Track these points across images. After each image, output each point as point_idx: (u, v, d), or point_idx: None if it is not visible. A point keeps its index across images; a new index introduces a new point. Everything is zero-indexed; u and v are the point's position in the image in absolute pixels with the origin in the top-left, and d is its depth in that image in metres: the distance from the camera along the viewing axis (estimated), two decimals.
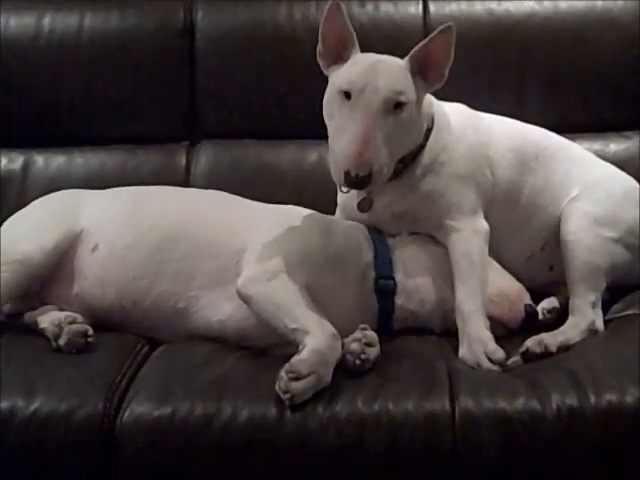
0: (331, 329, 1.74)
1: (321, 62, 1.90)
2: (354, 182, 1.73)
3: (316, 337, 1.70)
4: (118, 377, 1.76)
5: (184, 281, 1.94)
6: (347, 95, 1.79)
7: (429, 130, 1.95)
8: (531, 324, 1.92)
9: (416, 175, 1.94)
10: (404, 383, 1.71)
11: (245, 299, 1.84)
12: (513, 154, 2.05)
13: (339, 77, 1.84)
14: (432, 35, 1.82)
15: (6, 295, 1.92)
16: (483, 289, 1.88)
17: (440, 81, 1.87)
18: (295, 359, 1.65)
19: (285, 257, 1.86)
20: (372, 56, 1.87)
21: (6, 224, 2.05)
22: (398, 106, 1.79)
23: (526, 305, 1.93)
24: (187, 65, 2.53)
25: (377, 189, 1.85)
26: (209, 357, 1.83)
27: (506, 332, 1.92)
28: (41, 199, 2.14)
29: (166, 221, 1.99)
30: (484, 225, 1.95)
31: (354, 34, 1.87)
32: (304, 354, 1.66)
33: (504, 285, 1.96)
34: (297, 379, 1.63)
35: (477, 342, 1.81)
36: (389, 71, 1.81)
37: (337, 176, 1.76)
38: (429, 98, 1.97)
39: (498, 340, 1.84)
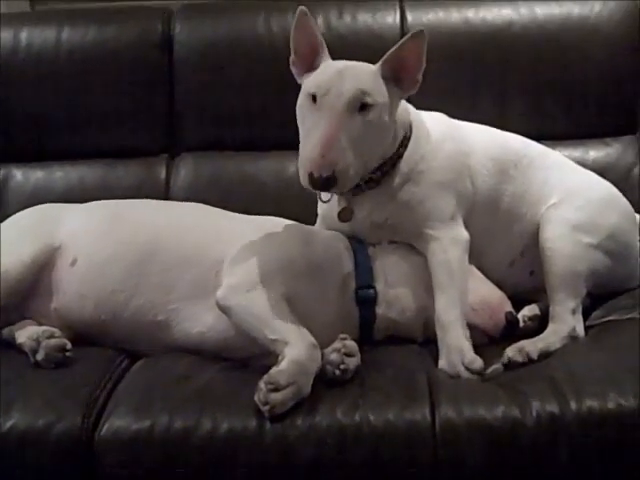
0: (310, 339, 1.73)
1: (294, 70, 1.91)
2: (318, 183, 1.73)
3: (295, 348, 1.69)
4: (96, 391, 1.75)
5: (164, 294, 1.93)
6: (314, 98, 1.79)
7: (407, 139, 1.95)
8: (512, 332, 1.91)
9: (395, 184, 1.94)
10: (385, 393, 1.70)
11: (224, 310, 1.83)
12: (493, 163, 2.05)
13: (308, 82, 1.85)
14: (403, 40, 1.82)
15: None
16: (463, 298, 1.88)
17: (414, 87, 1.87)
18: (274, 370, 1.64)
19: (264, 268, 1.86)
20: (342, 62, 1.88)
21: None
22: (364, 107, 1.79)
23: (507, 313, 1.93)
24: (166, 78, 2.53)
25: (343, 190, 1.82)
26: (188, 370, 1.82)
27: (487, 340, 1.92)
28: (19, 214, 2.12)
29: (145, 234, 1.99)
30: (464, 234, 1.95)
31: (323, 41, 1.88)
32: (283, 365, 1.65)
33: (485, 293, 1.96)
34: (276, 390, 1.62)
35: (455, 352, 1.81)
36: (356, 74, 1.82)
37: (302, 178, 1.76)
38: (406, 107, 1.97)
39: (479, 347, 1.84)
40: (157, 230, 1.99)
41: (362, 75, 1.82)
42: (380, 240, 2.00)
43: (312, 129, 1.77)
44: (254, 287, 1.82)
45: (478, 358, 1.80)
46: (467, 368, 1.79)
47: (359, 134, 1.77)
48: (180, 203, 2.19)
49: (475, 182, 2.02)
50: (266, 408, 1.61)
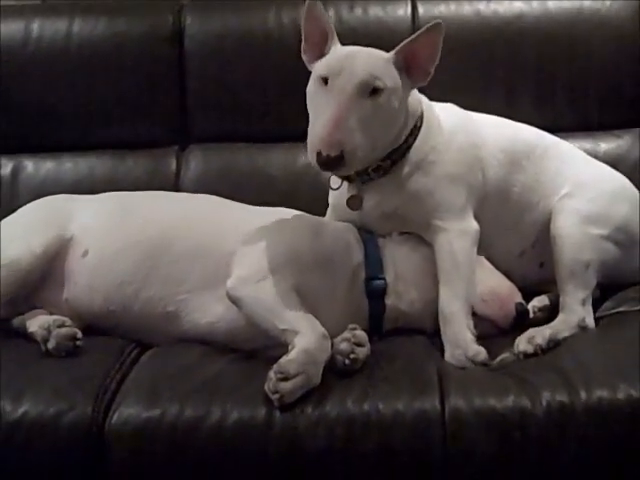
0: (321, 329, 1.73)
1: (305, 58, 1.92)
2: (326, 162, 1.73)
3: (305, 337, 1.69)
4: (107, 380, 1.75)
5: (174, 285, 1.93)
6: (325, 81, 1.80)
7: (417, 129, 1.95)
8: (522, 322, 1.91)
9: (403, 173, 1.94)
10: (394, 383, 1.70)
11: (234, 301, 1.83)
12: (504, 154, 2.05)
13: (320, 66, 1.86)
14: (420, 32, 1.82)
15: None
16: (468, 290, 1.87)
17: (425, 79, 1.88)
18: (284, 359, 1.64)
19: (274, 258, 1.86)
20: (353, 47, 1.89)
21: None
22: (375, 92, 1.79)
23: (517, 304, 1.92)
24: (176, 70, 2.53)
25: (350, 171, 1.84)
26: (198, 360, 1.82)
27: (497, 331, 1.92)
28: (31, 204, 2.13)
29: (155, 226, 1.99)
30: (473, 225, 1.95)
31: (333, 29, 1.89)
32: (292, 354, 1.65)
33: (495, 284, 1.95)
34: (286, 379, 1.62)
35: (457, 346, 1.81)
36: (367, 58, 1.83)
37: (311, 157, 1.76)
38: (418, 97, 1.98)
39: (488, 337, 1.84)
40: (167, 222, 2.00)
41: (374, 59, 1.83)
42: (389, 231, 2.00)
43: (322, 110, 1.77)
44: (264, 278, 1.83)
45: (482, 350, 1.80)
46: (471, 360, 1.79)
47: (369, 117, 1.77)
48: (191, 195, 2.19)
49: (486, 173, 2.02)
50: (276, 397, 1.62)
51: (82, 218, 2.04)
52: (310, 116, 1.84)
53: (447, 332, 1.84)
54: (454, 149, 1.98)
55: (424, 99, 2.01)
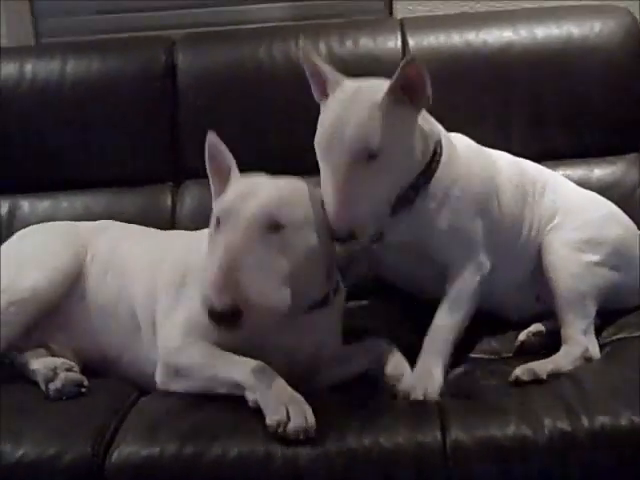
0: (253, 364, 1.71)
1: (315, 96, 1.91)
2: (343, 241, 1.75)
3: (253, 388, 1.68)
4: (106, 420, 1.74)
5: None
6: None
7: (438, 155, 1.91)
8: None
9: (430, 207, 1.90)
10: (394, 416, 1.69)
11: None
12: (516, 189, 2.05)
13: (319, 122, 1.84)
14: (401, 65, 1.77)
15: (11, 336, 1.91)
16: (459, 330, 1.88)
17: (427, 102, 1.82)
18: (268, 418, 1.62)
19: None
20: (341, 99, 1.82)
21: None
22: (373, 156, 1.74)
23: None
24: (170, 106, 2.54)
25: (368, 236, 1.82)
26: (197, 399, 1.79)
27: None
28: (28, 230, 2.17)
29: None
30: (486, 264, 1.94)
31: (326, 69, 1.87)
32: (262, 406, 1.65)
33: None
34: (283, 427, 1.60)
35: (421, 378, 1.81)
36: (355, 120, 1.76)
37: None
38: (432, 121, 1.94)
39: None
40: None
41: (363, 119, 1.76)
42: (398, 263, 1.99)
43: (325, 186, 1.76)
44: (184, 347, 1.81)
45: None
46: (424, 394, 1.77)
47: (373, 181, 1.74)
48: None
49: (501, 207, 2.01)
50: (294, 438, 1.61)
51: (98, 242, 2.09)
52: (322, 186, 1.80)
53: (422, 359, 1.83)
54: (477, 183, 1.95)
55: (440, 127, 1.97)
